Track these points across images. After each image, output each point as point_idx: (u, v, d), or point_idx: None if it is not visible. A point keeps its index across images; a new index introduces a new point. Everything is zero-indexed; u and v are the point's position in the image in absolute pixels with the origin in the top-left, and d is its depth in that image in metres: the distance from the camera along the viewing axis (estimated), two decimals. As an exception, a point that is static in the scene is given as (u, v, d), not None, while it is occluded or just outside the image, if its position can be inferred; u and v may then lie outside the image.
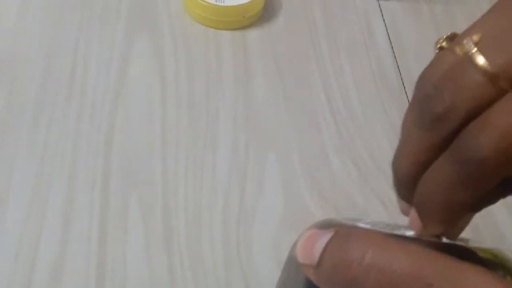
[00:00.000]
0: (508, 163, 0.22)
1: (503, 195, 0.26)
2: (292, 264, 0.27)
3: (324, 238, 0.23)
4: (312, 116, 0.56)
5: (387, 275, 0.21)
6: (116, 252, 0.45)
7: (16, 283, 0.43)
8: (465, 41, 0.23)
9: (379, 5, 0.67)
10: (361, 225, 0.28)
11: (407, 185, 0.26)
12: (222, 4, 0.61)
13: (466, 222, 0.27)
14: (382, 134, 0.55)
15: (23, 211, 0.47)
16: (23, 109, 0.53)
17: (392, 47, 0.63)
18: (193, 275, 0.45)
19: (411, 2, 0.68)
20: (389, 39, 0.64)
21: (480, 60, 0.22)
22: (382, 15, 0.66)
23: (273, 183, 0.51)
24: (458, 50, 0.23)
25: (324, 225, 0.26)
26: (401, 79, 0.60)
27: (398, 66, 0.61)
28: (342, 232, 0.23)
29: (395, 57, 0.62)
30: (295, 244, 0.26)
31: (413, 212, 0.26)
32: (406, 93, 0.59)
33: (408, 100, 0.58)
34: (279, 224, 0.48)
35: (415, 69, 0.60)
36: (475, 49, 0.23)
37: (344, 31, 0.64)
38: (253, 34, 0.62)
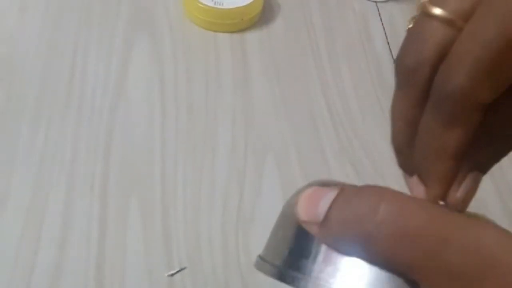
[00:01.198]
0: (482, 89, 0.22)
1: (506, 145, 0.25)
2: (286, 222, 0.25)
3: (330, 194, 0.22)
4: (310, 119, 0.56)
5: (401, 230, 0.20)
6: (115, 255, 0.45)
7: (16, 286, 0.43)
8: (420, 3, 0.25)
9: (377, 7, 0.67)
10: None
11: (404, 150, 0.26)
12: (220, 6, 0.61)
13: (474, 188, 0.26)
14: (380, 136, 0.55)
15: (22, 214, 0.47)
16: (22, 111, 0.53)
17: (390, 50, 0.63)
18: (192, 278, 0.45)
19: (409, 4, 0.68)
20: (387, 41, 0.64)
21: (436, 10, 0.24)
22: (380, 17, 0.66)
23: (271, 186, 0.51)
24: (417, 12, 0.25)
25: (322, 184, 0.24)
26: (400, 81, 0.60)
27: (396, 69, 0.61)
28: (349, 188, 0.22)
29: (393, 59, 0.62)
30: (288, 204, 0.24)
31: (414, 178, 0.25)
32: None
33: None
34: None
35: (413, 71, 0.60)
36: (428, 4, 0.24)
37: (342, 33, 0.64)
38: (252, 36, 0.63)
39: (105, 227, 0.47)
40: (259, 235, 0.48)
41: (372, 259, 0.22)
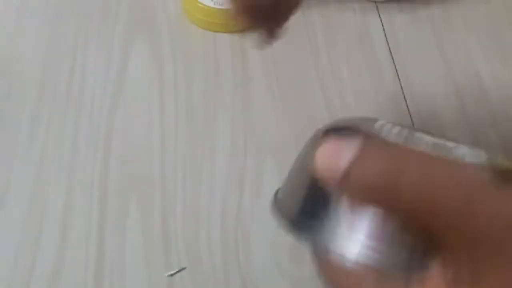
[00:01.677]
0: None
1: None
2: (302, 173, 0.25)
3: (351, 147, 0.22)
4: (310, 120, 0.56)
5: (426, 195, 0.20)
6: (114, 256, 0.45)
7: (16, 286, 0.43)
8: None
9: (377, 7, 0.67)
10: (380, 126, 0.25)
11: None
12: (220, 6, 0.61)
13: None
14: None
15: (21, 215, 0.47)
16: (21, 112, 0.53)
17: (390, 51, 0.63)
18: (192, 278, 0.45)
19: (409, 3, 0.68)
20: (387, 41, 0.64)
21: None
22: (380, 17, 0.66)
23: (271, 186, 0.51)
24: None
25: (339, 127, 0.24)
26: (400, 83, 0.60)
27: (396, 71, 0.61)
28: (372, 144, 0.22)
29: (393, 61, 0.62)
30: (307, 147, 0.24)
31: None
32: (404, 97, 0.59)
33: (407, 104, 0.58)
34: (277, 226, 0.48)
35: (413, 73, 0.60)
36: None
37: (342, 34, 0.64)
38: (251, 36, 0.62)
39: (105, 227, 0.47)
40: (259, 235, 0.48)
41: (391, 213, 0.21)
